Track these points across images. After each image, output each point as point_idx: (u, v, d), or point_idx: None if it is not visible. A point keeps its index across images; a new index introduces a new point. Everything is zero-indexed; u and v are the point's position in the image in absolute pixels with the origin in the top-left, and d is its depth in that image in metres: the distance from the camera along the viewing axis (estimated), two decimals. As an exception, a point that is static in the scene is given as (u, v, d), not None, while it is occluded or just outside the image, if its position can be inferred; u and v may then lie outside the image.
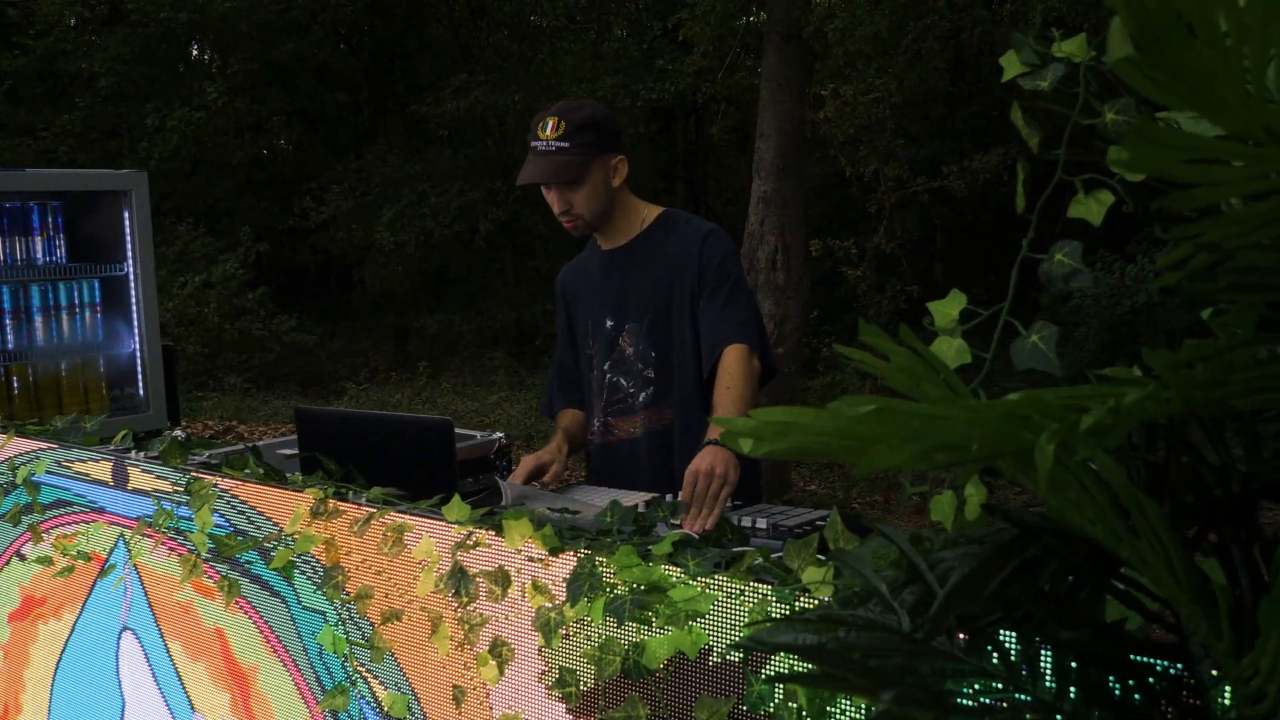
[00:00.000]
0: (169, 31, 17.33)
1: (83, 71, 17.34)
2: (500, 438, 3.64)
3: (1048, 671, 1.25)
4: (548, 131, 3.14)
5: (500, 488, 2.75)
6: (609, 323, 3.35)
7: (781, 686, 1.59)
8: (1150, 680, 1.22)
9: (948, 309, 1.38)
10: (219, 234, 16.21)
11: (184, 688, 2.79)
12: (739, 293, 3.23)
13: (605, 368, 3.35)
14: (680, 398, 3.28)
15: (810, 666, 1.37)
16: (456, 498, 2.05)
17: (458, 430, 3.67)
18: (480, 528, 2.01)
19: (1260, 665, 1.10)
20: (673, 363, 3.28)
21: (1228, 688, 1.20)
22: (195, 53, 19.61)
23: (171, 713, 2.83)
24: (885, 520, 7.14)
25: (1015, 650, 1.29)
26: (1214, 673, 1.20)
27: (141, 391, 4.43)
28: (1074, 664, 1.23)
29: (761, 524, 2.80)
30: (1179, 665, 1.23)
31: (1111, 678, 1.23)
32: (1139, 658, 1.24)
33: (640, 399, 3.32)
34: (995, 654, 1.26)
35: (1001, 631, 1.31)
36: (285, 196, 17.71)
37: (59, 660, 3.14)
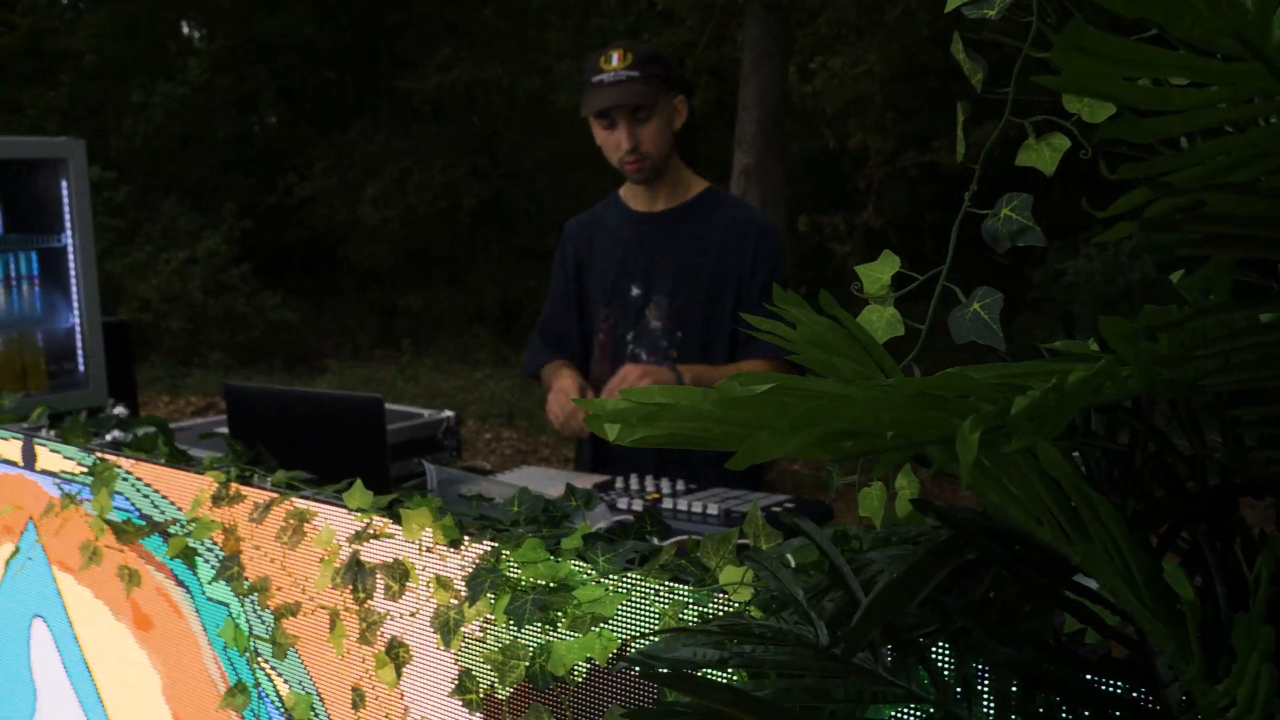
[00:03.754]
0: (153, 7, 17.15)
1: (69, 48, 17.15)
2: (449, 417, 3.46)
3: (986, 694, 1.07)
4: (614, 63, 2.99)
5: (426, 470, 2.56)
6: (635, 290, 3.16)
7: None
8: (1108, 707, 1.04)
9: (878, 272, 1.19)
10: (203, 210, 16.05)
11: (93, 679, 2.60)
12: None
13: (629, 337, 3.15)
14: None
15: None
16: (359, 483, 1.86)
17: (404, 409, 3.50)
18: (382, 516, 1.82)
19: (1237, 693, 0.91)
20: (698, 347, 3.12)
21: (1199, 717, 1.01)
22: (185, 30, 19.39)
23: (81, 704, 2.65)
24: (851, 506, 6.91)
25: (949, 669, 1.10)
26: (1183, 699, 1.01)
27: (82, 367, 4.23)
28: (1016, 687, 1.04)
29: (713, 510, 2.62)
30: (1141, 690, 1.04)
31: (1061, 703, 1.04)
32: (1094, 680, 1.06)
33: None
34: (925, 673, 1.08)
35: (934, 647, 1.13)
36: (269, 173, 17.53)
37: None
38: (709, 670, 1.15)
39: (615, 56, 2.99)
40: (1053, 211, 13.11)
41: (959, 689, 1.06)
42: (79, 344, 4.20)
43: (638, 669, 1.11)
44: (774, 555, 1.22)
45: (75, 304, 4.18)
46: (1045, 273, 11.89)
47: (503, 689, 1.60)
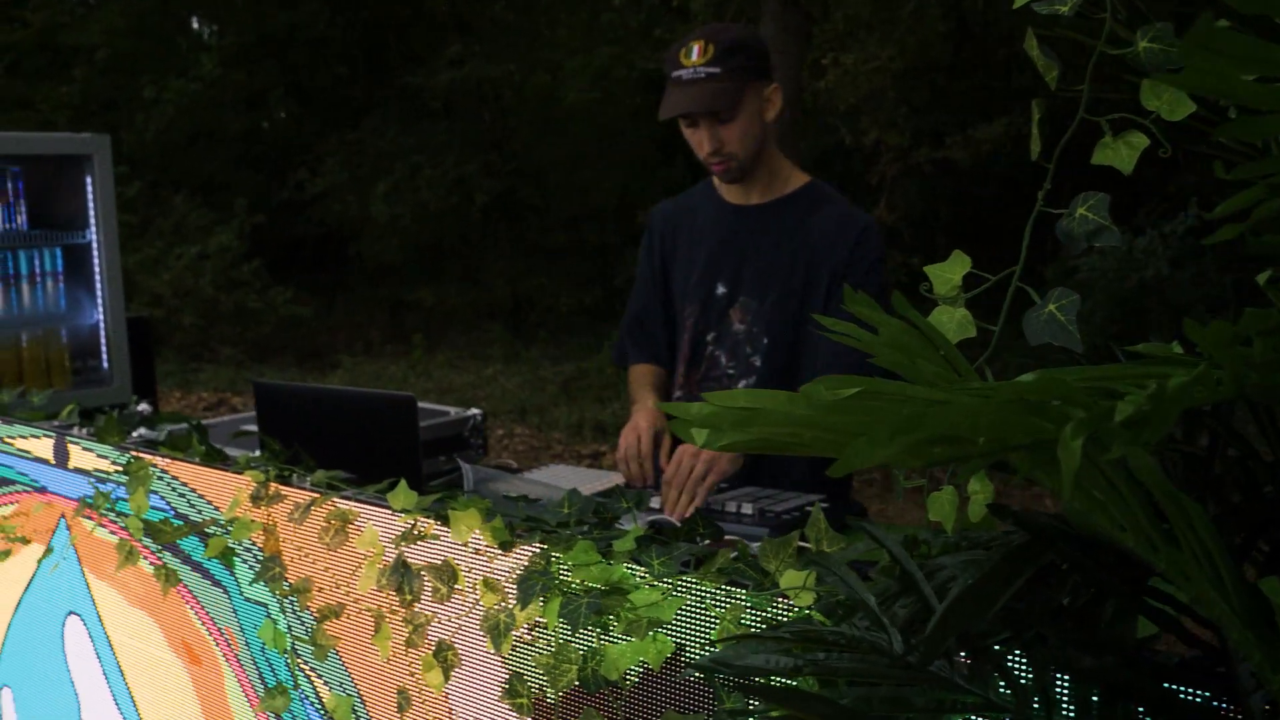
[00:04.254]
0: (164, 3, 17.15)
1: (80, 44, 17.16)
2: (476, 415, 3.45)
3: (1066, 703, 1.06)
4: (693, 57, 2.74)
5: (462, 470, 2.55)
6: (720, 289, 2.93)
7: (757, 706, 1.39)
8: (1189, 716, 1.03)
9: (949, 273, 1.17)
10: (215, 206, 16.05)
11: (125, 680, 2.59)
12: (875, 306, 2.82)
13: (710, 338, 2.94)
14: None
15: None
16: (403, 484, 1.84)
17: (431, 406, 3.48)
18: (428, 517, 1.80)
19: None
20: (785, 356, 2.88)
21: (1283, 727, 1.00)
22: (195, 26, 19.41)
23: (116, 704, 2.64)
24: (883, 505, 6.91)
25: (1027, 677, 1.09)
26: (1266, 708, 1.00)
27: (106, 364, 4.22)
28: (1096, 696, 1.03)
29: (748, 509, 2.61)
30: (1224, 699, 1.03)
31: (1141, 712, 1.03)
32: (1175, 689, 1.04)
33: (740, 386, 2.91)
34: (1003, 682, 1.06)
35: (1010, 655, 1.11)
36: (280, 169, 17.52)
37: (2, 645, 2.95)
38: (779, 678, 1.14)
39: (695, 49, 2.75)
40: (1065, 208, 13.06)
41: (1037, 698, 1.04)
42: (103, 341, 4.20)
43: (702, 674, 1.10)
44: (842, 559, 1.21)
45: (100, 300, 4.17)
46: (1058, 269, 11.85)
47: (553, 693, 1.59)
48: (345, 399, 2.82)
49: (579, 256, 16.38)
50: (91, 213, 4.15)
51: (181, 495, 2.32)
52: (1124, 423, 0.82)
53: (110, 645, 2.62)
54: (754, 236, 2.91)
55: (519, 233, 17.24)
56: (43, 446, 2.72)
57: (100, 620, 2.62)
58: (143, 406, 3.64)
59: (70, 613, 2.72)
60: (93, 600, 2.63)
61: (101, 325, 4.19)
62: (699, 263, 2.97)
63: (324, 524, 1.97)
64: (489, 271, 16.72)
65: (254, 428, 3.09)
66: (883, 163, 12.36)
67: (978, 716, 1.12)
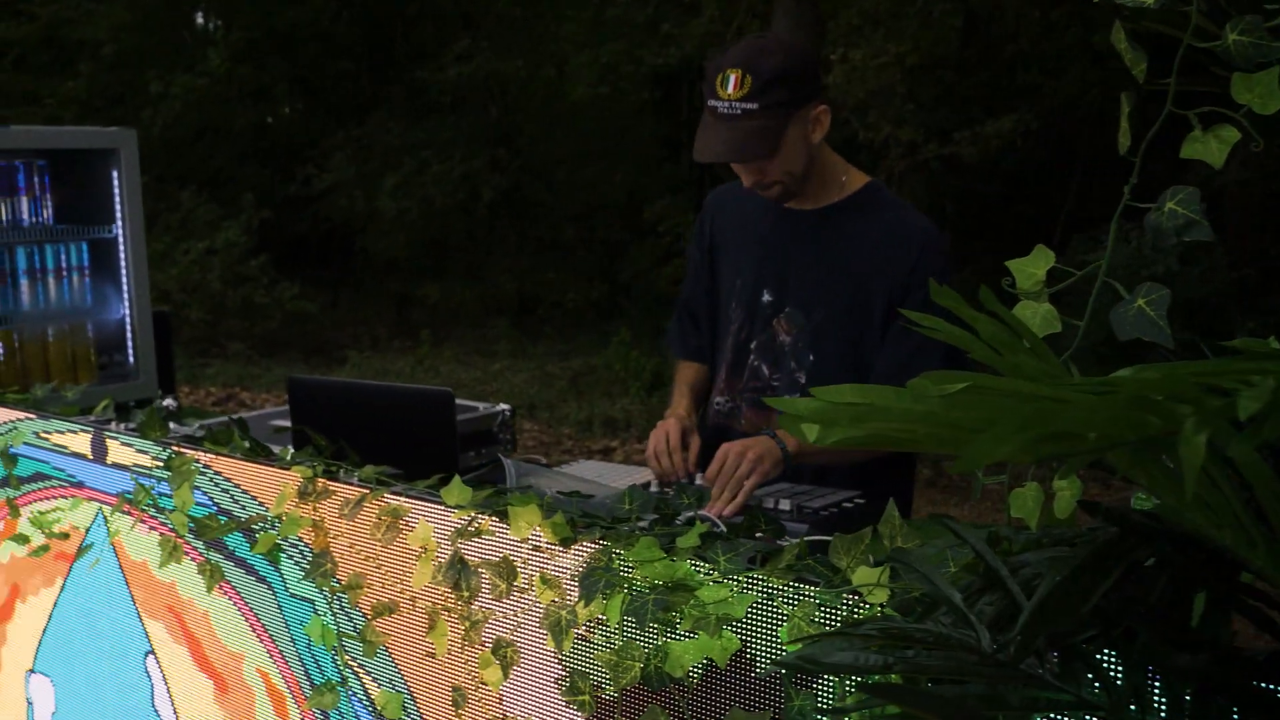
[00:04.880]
0: (171, -2, 17.21)
1: (87, 39, 17.15)
2: (504, 410, 3.44)
3: (1158, 702, 1.06)
4: (729, 89, 2.54)
5: (504, 465, 2.55)
6: (766, 296, 2.79)
7: (828, 701, 1.39)
8: (1283, 713, 1.03)
9: (1032, 268, 1.18)
10: (222, 201, 16.06)
11: (164, 675, 2.60)
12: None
13: (753, 346, 2.81)
14: None
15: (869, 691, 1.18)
16: (457, 479, 1.85)
17: (459, 402, 3.48)
18: (483, 513, 1.81)
19: None
20: (831, 375, 2.67)
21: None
22: (200, 20, 19.40)
23: (154, 702, 2.64)
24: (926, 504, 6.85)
25: (1117, 675, 1.09)
26: (1362, 706, 1.00)
27: (131, 358, 4.23)
28: (1190, 695, 1.03)
29: (785, 505, 2.60)
30: (1319, 697, 1.03)
31: (1237, 711, 1.03)
32: (1269, 687, 1.04)
33: None
34: (1096, 680, 1.06)
35: (1100, 653, 1.11)
36: (287, 164, 17.52)
37: (40, 642, 2.95)
38: (865, 675, 1.14)
39: (732, 80, 2.54)
40: (1073, 204, 13.08)
41: (1131, 697, 1.05)
42: (129, 335, 4.21)
43: (785, 670, 1.10)
44: (922, 556, 1.21)
45: (126, 295, 4.18)
46: (1066, 264, 11.85)
47: (614, 690, 1.59)
48: (382, 394, 2.82)
49: (585, 252, 16.40)
50: (118, 207, 4.15)
51: (224, 490, 2.32)
52: (1245, 419, 0.82)
53: (148, 639, 2.62)
54: (802, 244, 2.76)
55: (525, 228, 17.25)
56: (80, 441, 2.72)
57: (139, 618, 2.62)
58: (168, 401, 3.64)
59: (111, 607, 2.72)
60: (130, 597, 2.63)
61: (128, 320, 4.19)
62: (745, 265, 2.84)
63: (375, 520, 1.97)
64: (495, 267, 16.73)
65: (283, 422, 3.09)
66: (890, 159, 12.35)
67: (1070, 715, 1.12)
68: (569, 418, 10.85)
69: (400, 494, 1.98)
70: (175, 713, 2.58)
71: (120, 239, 4.13)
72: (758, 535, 1.63)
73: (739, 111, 2.54)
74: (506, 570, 1.74)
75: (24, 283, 4.07)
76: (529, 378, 12.81)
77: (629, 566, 1.58)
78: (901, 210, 2.76)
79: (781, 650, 1.45)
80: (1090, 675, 1.06)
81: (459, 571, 1.80)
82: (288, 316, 15.47)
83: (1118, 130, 1.12)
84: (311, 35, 18.21)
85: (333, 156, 16.65)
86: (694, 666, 1.53)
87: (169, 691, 2.59)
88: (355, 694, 2.10)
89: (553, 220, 16.76)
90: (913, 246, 2.66)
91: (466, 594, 1.80)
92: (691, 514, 1.88)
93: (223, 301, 14.94)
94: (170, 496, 2.42)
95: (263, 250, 15.47)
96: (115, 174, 4.12)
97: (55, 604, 2.85)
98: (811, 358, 2.75)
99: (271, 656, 2.27)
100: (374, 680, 2.06)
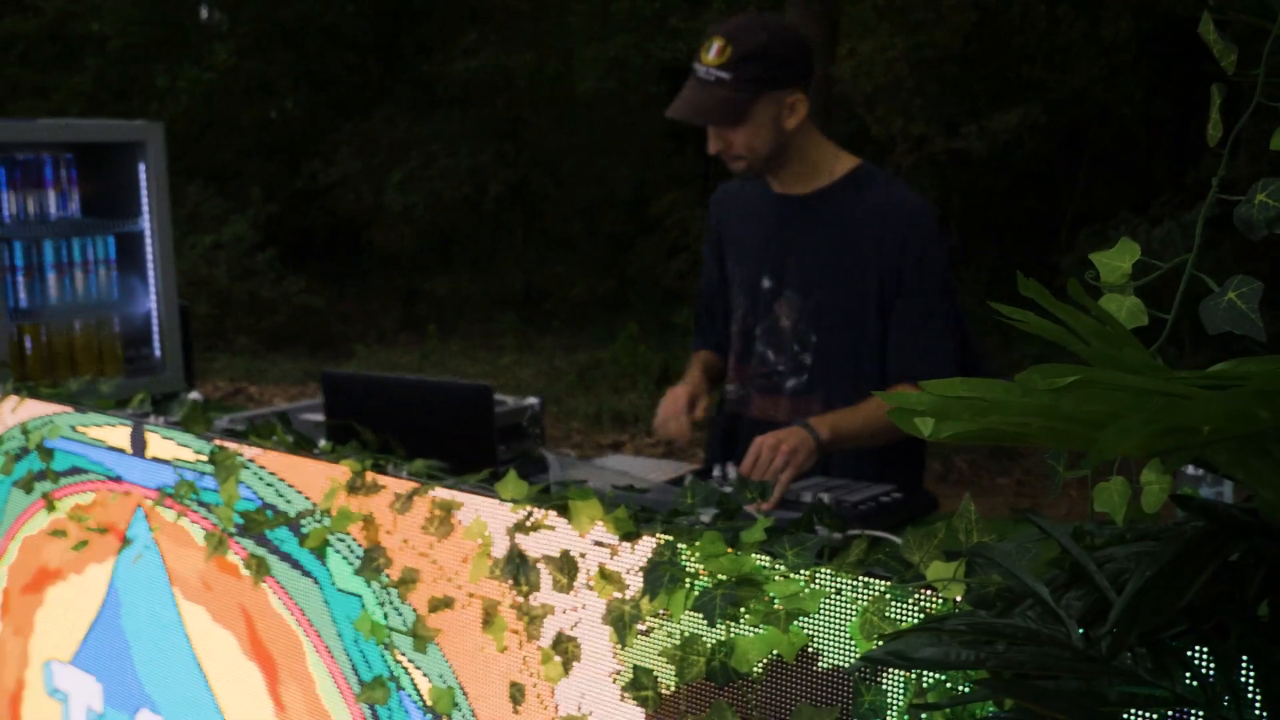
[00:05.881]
0: (177, -10, 17.22)
1: (93, 33, 17.15)
2: (534, 404, 3.45)
3: (1254, 699, 1.06)
4: (710, 55, 2.64)
5: (546, 459, 2.55)
6: (766, 282, 2.84)
7: (897, 698, 1.40)
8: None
9: (1118, 261, 1.18)
10: (228, 195, 16.07)
11: (203, 671, 2.60)
12: (938, 308, 2.69)
13: (757, 332, 2.87)
14: (836, 399, 2.76)
15: (967, 685, 1.18)
16: (512, 473, 1.85)
17: (490, 396, 3.49)
18: (540, 507, 1.81)
19: None
20: (834, 355, 2.79)
21: None
22: (205, 15, 19.40)
23: (196, 698, 2.65)
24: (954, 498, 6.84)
25: (1210, 671, 1.09)
26: None
27: (158, 352, 4.23)
28: (1287, 689, 1.03)
29: (823, 499, 2.61)
30: None
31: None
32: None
33: (789, 385, 2.84)
34: (1190, 676, 1.07)
35: (1192, 648, 1.12)
36: (294, 158, 17.53)
37: (85, 635, 2.95)
38: (955, 671, 1.14)
39: (714, 47, 2.64)
40: (1080, 199, 13.08)
41: (1227, 694, 1.05)
42: (155, 329, 4.20)
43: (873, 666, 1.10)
44: (1006, 551, 1.21)
45: (152, 288, 4.18)
46: (1074, 260, 11.85)
47: (677, 685, 1.59)
48: (418, 388, 2.83)
49: (592, 246, 16.39)
50: (144, 200, 4.15)
51: (269, 485, 2.33)
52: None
53: (186, 635, 2.62)
54: (797, 229, 2.81)
55: (532, 222, 17.25)
56: (118, 435, 2.72)
57: (179, 614, 2.63)
58: (194, 395, 3.64)
59: (151, 600, 2.72)
60: (172, 592, 2.63)
61: (154, 313, 4.19)
62: (746, 254, 2.91)
63: (427, 514, 1.97)
64: (502, 261, 16.74)
65: (314, 416, 3.10)
66: (897, 153, 12.35)
67: (1165, 711, 1.13)
68: (577, 411, 10.85)
69: (453, 488, 1.98)
70: (220, 707, 2.58)
71: (147, 232, 4.13)
72: (817, 530, 1.63)
73: (712, 78, 2.64)
74: (567, 565, 1.74)
75: (51, 276, 4.07)
76: (536, 372, 12.82)
77: (693, 561, 1.58)
78: (890, 188, 2.82)
79: (849, 646, 1.45)
80: (1185, 672, 1.06)
81: (517, 566, 1.81)
82: (294, 310, 15.48)
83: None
84: (318, 29, 18.21)
85: (339, 150, 16.66)
86: (758, 661, 1.53)
87: (212, 685, 2.59)
88: (405, 689, 2.10)
89: (560, 214, 16.77)
90: (901, 225, 2.71)
91: (525, 589, 1.80)
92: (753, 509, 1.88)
93: (229, 295, 14.94)
94: (213, 491, 2.43)
95: (269, 244, 15.49)
96: (142, 167, 4.13)
97: (103, 602, 2.85)
98: (814, 338, 2.80)
99: (318, 651, 2.28)
100: (424, 675, 2.06)
